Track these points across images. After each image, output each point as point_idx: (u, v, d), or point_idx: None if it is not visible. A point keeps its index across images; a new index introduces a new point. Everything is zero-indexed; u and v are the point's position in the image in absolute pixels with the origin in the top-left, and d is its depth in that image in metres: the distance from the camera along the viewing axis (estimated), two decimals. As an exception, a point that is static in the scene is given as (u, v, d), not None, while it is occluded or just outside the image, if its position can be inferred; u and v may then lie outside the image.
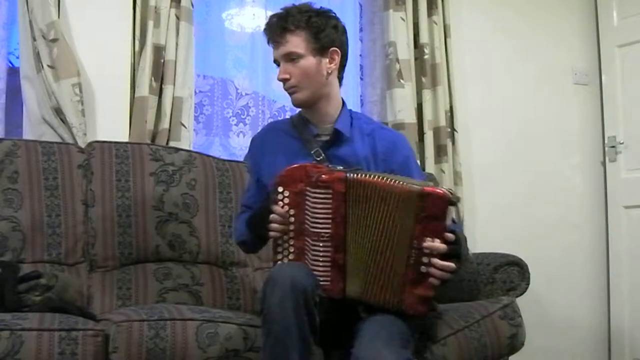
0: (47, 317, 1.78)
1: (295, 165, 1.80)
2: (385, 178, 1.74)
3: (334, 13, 1.99)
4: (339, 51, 1.96)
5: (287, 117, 2.11)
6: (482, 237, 3.30)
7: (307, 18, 1.90)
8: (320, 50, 1.92)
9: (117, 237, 2.38)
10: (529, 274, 2.41)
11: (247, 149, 2.95)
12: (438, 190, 1.71)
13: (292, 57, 1.90)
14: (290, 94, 1.95)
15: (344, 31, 2.00)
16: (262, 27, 1.99)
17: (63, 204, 2.35)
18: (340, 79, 2.03)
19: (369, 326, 1.71)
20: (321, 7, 1.98)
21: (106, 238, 2.37)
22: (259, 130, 2.19)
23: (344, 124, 1.99)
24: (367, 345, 1.64)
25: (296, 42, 1.90)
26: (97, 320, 1.90)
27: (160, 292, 2.35)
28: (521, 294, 2.39)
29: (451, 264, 1.70)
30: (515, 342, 2.10)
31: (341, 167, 1.80)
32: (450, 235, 1.71)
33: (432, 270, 1.70)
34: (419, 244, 1.70)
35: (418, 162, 3.14)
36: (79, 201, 2.38)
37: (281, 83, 1.96)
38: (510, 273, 2.38)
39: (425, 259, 1.70)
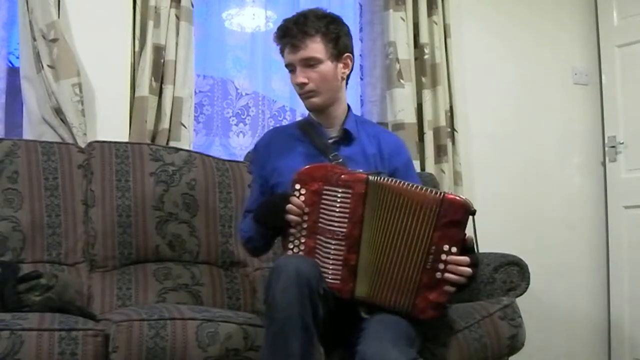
0: (47, 317, 1.78)
1: (316, 165, 1.83)
2: (405, 184, 1.75)
3: (342, 18, 2.02)
4: (352, 57, 2.01)
5: (287, 119, 2.13)
6: (482, 237, 3.28)
7: (326, 24, 1.93)
8: (337, 55, 1.96)
9: (117, 237, 2.38)
10: (529, 274, 2.41)
11: (247, 149, 2.98)
12: (459, 198, 1.73)
13: (311, 63, 1.92)
14: (306, 98, 1.98)
15: (352, 37, 2.04)
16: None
17: (63, 204, 2.35)
18: (346, 83, 2.07)
19: (375, 325, 1.71)
20: (330, 12, 2.01)
21: (106, 238, 2.37)
22: (261, 136, 2.20)
23: (352, 125, 2.04)
24: (375, 343, 1.65)
25: (317, 48, 1.92)
26: (97, 320, 1.90)
27: (160, 292, 2.35)
28: (521, 294, 2.38)
29: (468, 269, 1.72)
30: (515, 343, 2.10)
31: (361, 170, 1.82)
32: (468, 243, 1.73)
33: (448, 275, 1.71)
34: (437, 250, 1.71)
35: (417, 157, 3.17)
36: (79, 201, 2.38)
37: (291, 86, 1.99)
38: (510, 273, 2.38)
39: (441, 265, 1.71)
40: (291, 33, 1.92)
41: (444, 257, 1.71)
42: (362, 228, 1.75)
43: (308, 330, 1.62)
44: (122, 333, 1.75)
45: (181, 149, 2.62)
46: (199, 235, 2.48)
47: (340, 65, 1.98)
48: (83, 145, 2.51)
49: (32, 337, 1.66)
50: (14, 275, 1.99)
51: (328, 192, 1.77)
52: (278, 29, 1.97)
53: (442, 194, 1.73)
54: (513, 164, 3.52)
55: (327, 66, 1.94)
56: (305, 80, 1.93)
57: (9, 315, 1.75)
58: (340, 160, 1.93)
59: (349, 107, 2.08)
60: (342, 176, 1.77)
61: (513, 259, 2.41)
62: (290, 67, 1.97)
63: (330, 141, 2.00)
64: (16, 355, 1.63)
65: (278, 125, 3.09)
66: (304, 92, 1.96)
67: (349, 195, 1.75)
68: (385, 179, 1.77)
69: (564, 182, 3.65)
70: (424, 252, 1.72)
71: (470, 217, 1.73)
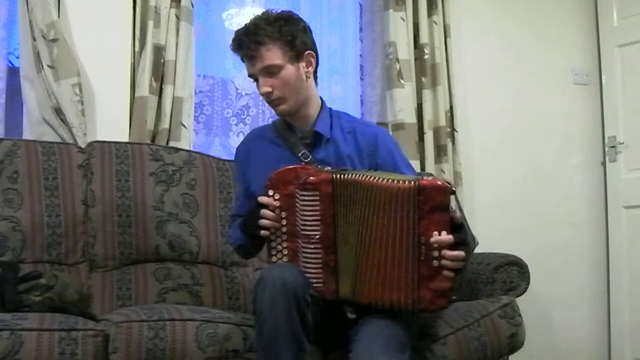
0: (47, 317, 1.78)
1: (285, 168, 1.80)
2: (374, 177, 1.72)
3: (297, 14, 1.97)
4: (313, 53, 1.96)
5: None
6: (482, 237, 3.25)
7: (279, 28, 1.88)
8: (297, 56, 1.91)
9: (117, 237, 2.38)
10: (529, 274, 2.42)
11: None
12: (437, 182, 1.69)
13: (271, 70, 1.88)
14: (275, 106, 1.94)
15: (311, 30, 1.98)
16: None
17: (63, 204, 2.35)
18: (315, 78, 2.02)
19: (365, 330, 1.70)
20: (282, 11, 1.95)
21: (106, 238, 2.37)
22: (242, 140, 2.17)
23: (324, 124, 1.99)
24: (364, 352, 1.64)
25: (273, 55, 1.87)
26: (97, 320, 1.90)
27: (160, 292, 2.35)
28: (521, 294, 2.39)
29: (461, 253, 1.67)
30: (514, 342, 2.10)
31: (329, 168, 1.80)
32: (456, 221, 1.69)
33: (444, 262, 1.67)
34: (427, 239, 1.67)
35: (417, 157, 3.15)
36: (79, 201, 2.38)
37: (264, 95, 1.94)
38: (510, 273, 2.39)
39: (435, 253, 1.67)
40: (244, 45, 1.88)
41: (436, 244, 1.67)
42: (336, 228, 1.73)
43: (297, 338, 1.62)
44: (122, 334, 1.75)
45: (181, 149, 2.62)
46: (199, 235, 2.48)
47: (303, 64, 1.92)
48: (83, 145, 2.51)
49: (32, 337, 1.66)
50: (14, 275, 1.99)
51: (299, 196, 1.75)
52: (232, 41, 1.92)
53: (416, 181, 1.68)
54: (513, 164, 3.52)
55: (289, 70, 1.89)
56: (269, 89, 1.89)
57: (9, 315, 1.75)
58: (309, 158, 1.90)
59: (323, 102, 2.03)
60: (310, 178, 1.74)
61: (513, 259, 2.42)
62: (254, 78, 1.93)
63: (303, 143, 1.97)
64: (16, 355, 1.63)
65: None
66: (271, 101, 1.93)
67: (317, 198, 1.73)
68: (352, 174, 1.73)
69: (564, 182, 3.65)
70: (414, 244, 1.68)
71: (452, 196, 1.68)
